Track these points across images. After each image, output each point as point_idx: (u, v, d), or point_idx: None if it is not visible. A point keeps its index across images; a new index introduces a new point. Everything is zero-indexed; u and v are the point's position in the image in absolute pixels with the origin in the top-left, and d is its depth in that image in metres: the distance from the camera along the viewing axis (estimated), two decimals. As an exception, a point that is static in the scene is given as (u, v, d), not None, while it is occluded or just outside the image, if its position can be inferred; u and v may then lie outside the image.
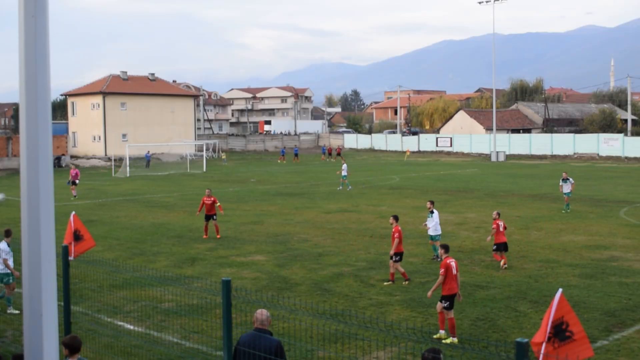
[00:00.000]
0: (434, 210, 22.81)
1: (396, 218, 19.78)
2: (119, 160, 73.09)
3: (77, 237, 16.90)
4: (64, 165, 77.11)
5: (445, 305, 14.01)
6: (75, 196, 43.67)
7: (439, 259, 16.77)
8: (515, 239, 26.22)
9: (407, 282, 18.91)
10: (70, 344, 8.17)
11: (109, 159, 77.09)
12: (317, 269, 20.94)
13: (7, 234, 16.98)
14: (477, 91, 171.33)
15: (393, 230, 19.16)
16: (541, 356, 7.83)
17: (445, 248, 14.77)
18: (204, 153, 75.63)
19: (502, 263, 20.85)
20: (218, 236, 27.04)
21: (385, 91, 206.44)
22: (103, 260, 21.48)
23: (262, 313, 8.89)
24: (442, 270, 14.15)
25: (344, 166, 48.45)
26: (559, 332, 8.01)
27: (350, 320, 14.33)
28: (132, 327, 15.03)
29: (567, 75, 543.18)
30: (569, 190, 34.33)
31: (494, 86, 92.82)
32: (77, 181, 44.85)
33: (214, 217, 27.34)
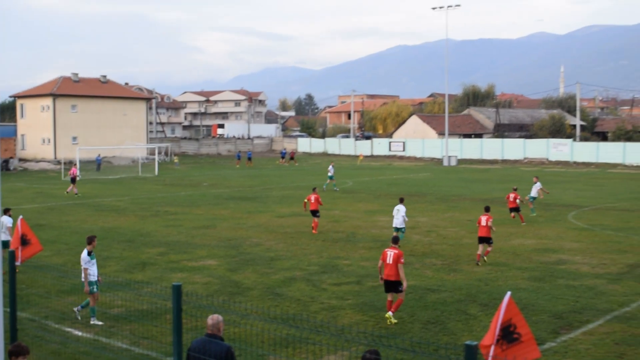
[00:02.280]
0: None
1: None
2: (69, 163, 71.98)
3: (24, 241, 16.62)
4: (11, 169, 75.73)
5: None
6: (77, 194, 46.23)
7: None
8: (466, 242, 26.52)
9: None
10: (16, 352, 8.00)
11: (59, 162, 75.91)
12: (269, 274, 20.87)
13: (89, 241, 16.26)
14: (430, 96, 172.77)
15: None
16: (490, 358, 7.91)
17: (392, 239, 16.34)
18: (156, 156, 74.94)
19: (478, 257, 22.43)
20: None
21: (339, 95, 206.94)
22: (51, 265, 21.20)
23: (213, 318, 8.84)
24: (380, 257, 15.98)
25: (330, 167, 51.58)
26: (507, 335, 8.11)
27: (302, 324, 14.33)
28: (80, 334, 14.79)
29: (518, 81, 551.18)
30: (534, 195, 35.24)
31: (447, 91, 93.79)
32: (76, 178, 48.09)
33: None
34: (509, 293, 8.17)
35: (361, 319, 15.98)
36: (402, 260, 15.60)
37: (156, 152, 77.28)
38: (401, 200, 26.46)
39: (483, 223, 22.65)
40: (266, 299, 17.76)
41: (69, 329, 15.09)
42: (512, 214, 31.83)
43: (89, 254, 15.80)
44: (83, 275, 15.56)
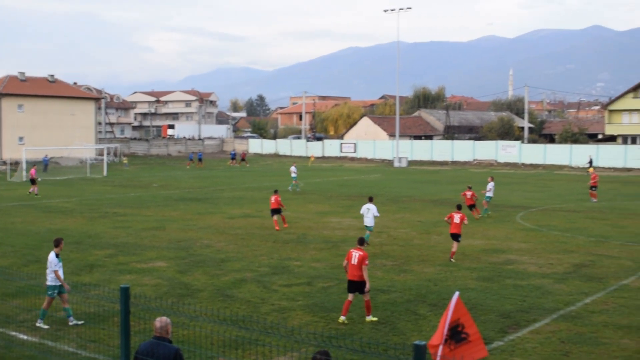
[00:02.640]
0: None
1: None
2: (15, 163, 70.58)
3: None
4: (-44, 169, 74.00)
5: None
6: (37, 195, 46.37)
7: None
8: (416, 243, 26.73)
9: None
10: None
11: (5, 163, 74.45)
12: (219, 275, 20.75)
13: (57, 243, 15.89)
14: (381, 98, 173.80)
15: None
16: (438, 358, 7.97)
17: (358, 240, 16.61)
18: (105, 157, 73.91)
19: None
20: None
21: (291, 97, 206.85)
22: (-5, 267, 20.74)
23: (161, 321, 8.75)
24: (345, 257, 16.35)
25: (293, 168, 52.47)
26: (455, 334, 8.18)
27: (252, 326, 14.28)
28: (25, 337, 14.50)
29: (468, 84, 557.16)
30: (491, 195, 36.64)
31: (398, 93, 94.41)
32: (36, 180, 48.41)
33: None
34: (457, 293, 8.25)
35: (311, 320, 15.99)
36: (367, 262, 15.83)
37: (105, 152, 76.21)
38: (370, 199, 27.03)
39: (456, 220, 23.28)
40: (216, 301, 17.66)
41: (14, 333, 14.78)
42: (473, 210, 33.79)
43: (57, 256, 15.56)
44: (54, 277, 15.31)
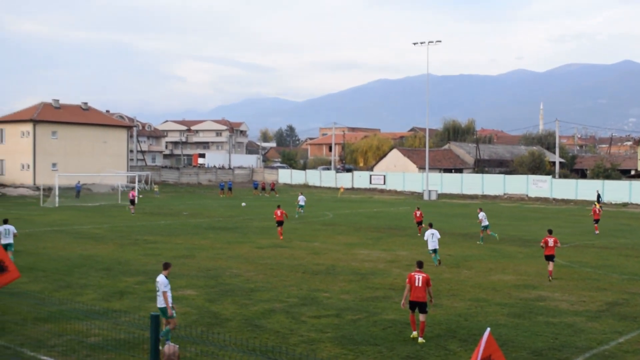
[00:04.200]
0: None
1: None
2: (48, 189, 71.47)
3: (0, 268, 16.45)
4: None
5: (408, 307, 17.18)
6: (133, 214, 53.28)
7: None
8: (445, 277, 26.51)
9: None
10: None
11: (38, 188, 75.38)
12: (248, 305, 20.73)
13: (166, 266, 16.53)
14: (410, 130, 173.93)
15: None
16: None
17: (417, 264, 17.67)
18: (136, 185, 74.62)
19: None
20: None
21: (321, 127, 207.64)
22: (28, 292, 20.95)
23: (169, 348, 8.74)
24: (407, 280, 17.30)
25: (301, 197, 56.37)
26: (488, 371, 8.09)
27: (280, 357, 14.22)
28: (55, 362, 14.56)
29: (498, 118, 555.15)
30: (486, 223, 38.84)
31: (427, 126, 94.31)
32: (135, 200, 56.59)
33: None
34: (488, 329, 8.17)
35: (340, 353, 15.88)
36: (431, 283, 17.32)
37: (136, 180, 77.01)
38: (431, 225, 30.18)
39: (550, 244, 26.05)
40: (245, 331, 17.63)
41: (45, 357, 14.86)
42: (420, 227, 42.02)
43: (166, 277, 16.14)
44: (163, 299, 15.73)
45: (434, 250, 29.34)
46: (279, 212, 38.43)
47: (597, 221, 46.08)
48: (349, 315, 19.63)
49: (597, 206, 48.60)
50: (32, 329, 16.49)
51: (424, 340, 16.81)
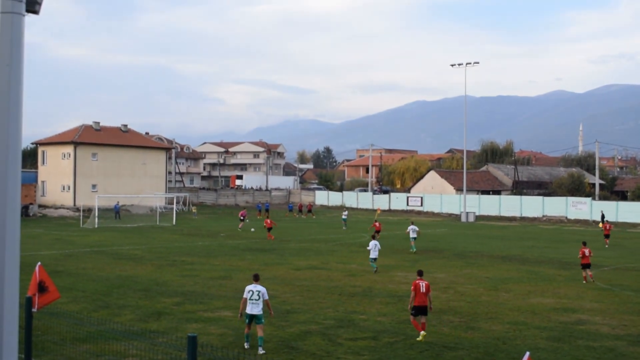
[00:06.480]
0: None
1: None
2: (88, 210, 72.39)
3: (41, 288, 16.62)
4: (31, 215, 76.17)
5: (412, 312, 19.33)
6: (240, 228, 60.78)
7: None
8: (484, 300, 26.25)
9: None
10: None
11: (78, 209, 76.38)
12: (284, 326, 20.72)
13: (256, 278, 18.51)
14: (448, 152, 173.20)
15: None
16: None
17: (418, 272, 20.32)
18: (174, 206, 75.25)
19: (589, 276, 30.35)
20: None
21: (358, 149, 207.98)
22: (67, 312, 21.15)
23: None
24: (412, 287, 19.48)
25: (345, 212, 70.24)
26: (527, 396, 7.98)
27: (317, 379, 14.16)
28: (94, 382, 14.68)
29: (537, 139, 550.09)
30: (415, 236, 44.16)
31: (465, 147, 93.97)
32: (245, 219, 63.91)
33: None
34: (527, 353, 8.06)
35: (377, 375, 15.78)
36: (430, 289, 19.69)
37: (174, 201, 77.64)
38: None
39: (587, 253, 29.89)
40: (281, 353, 17.61)
41: (83, 378, 14.99)
42: (377, 234, 43.15)
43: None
44: (262, 306, 17.97)
45: (374, 259, 33.55)
46: (269, 221, 51.51)
47: (607, 236, 51.09)
48: (385, 337, 19.51)
49: (603, 225, 52.95)
50: (71, 349, 16.64)
51: (425, 333, 18.86)
